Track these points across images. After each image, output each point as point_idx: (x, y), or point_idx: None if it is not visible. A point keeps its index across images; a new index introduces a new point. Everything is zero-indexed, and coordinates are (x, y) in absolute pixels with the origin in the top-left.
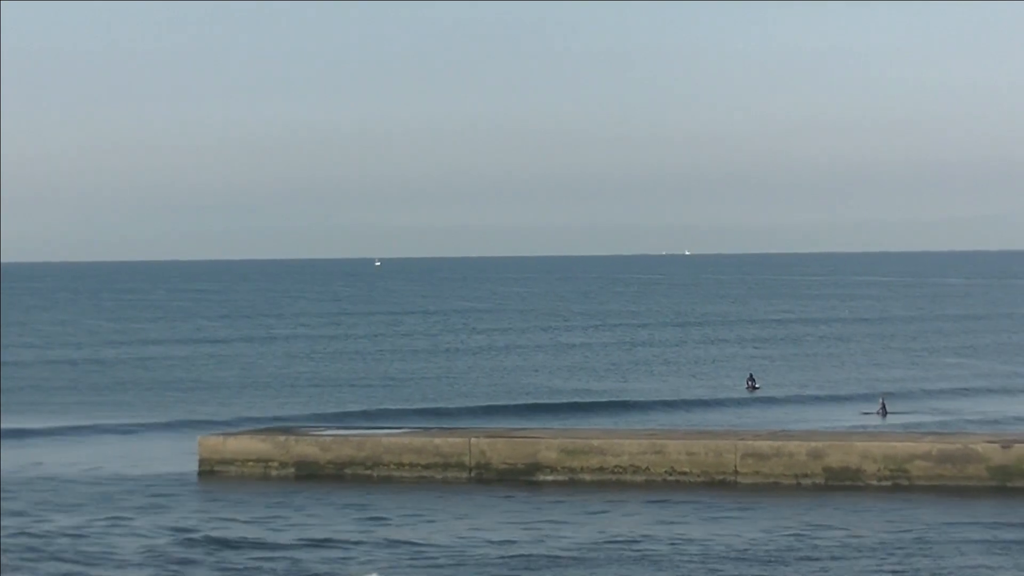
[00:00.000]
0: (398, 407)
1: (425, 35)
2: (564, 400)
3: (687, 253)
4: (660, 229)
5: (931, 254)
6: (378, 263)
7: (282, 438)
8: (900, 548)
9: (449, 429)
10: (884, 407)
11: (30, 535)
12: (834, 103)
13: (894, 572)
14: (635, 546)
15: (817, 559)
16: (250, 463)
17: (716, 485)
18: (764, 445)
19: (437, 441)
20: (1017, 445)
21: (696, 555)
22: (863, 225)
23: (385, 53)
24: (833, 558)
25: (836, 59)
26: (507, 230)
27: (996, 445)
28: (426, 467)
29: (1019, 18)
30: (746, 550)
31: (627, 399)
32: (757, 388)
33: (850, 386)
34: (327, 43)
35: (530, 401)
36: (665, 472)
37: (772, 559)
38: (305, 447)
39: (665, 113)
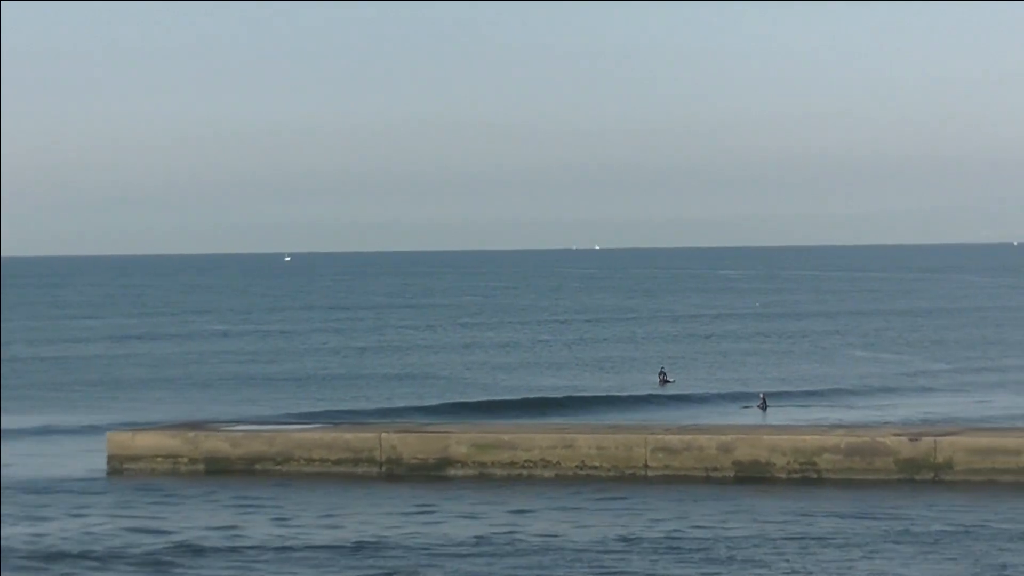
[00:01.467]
0: (310, 409)
1: (340, 30)
2: (475, 399)
3: (597, 248)
4: (571, 224)
5: (844, 248)
6: (288, 258)
7: (191, 434)
8: (802, 540)
9: (359, 424)
10: (764, 401)
11: None
12: (756, 98)
13: (795, 565)
14: (543, 539)
15: (717, 551)
16: (159, 459)
17: (626, 479)
18: (674, 439)
19: (347, 436)
20: (925, 438)
21: (593, 547)
22: (779, 219)
23: (283, 48)
24: (730, 548)
25: (761, 54)
26: (421, 224)
27: (904, 438)
28: (336, 462)
29: (945, 14)
30: (645, 541)
31: (540, 396)
32: (670, 382)
33: (758, 382)
34: (237, 38)
35: (442, 401)
36: (576, 466)
37: (671, 550)
38: (215, 442)
39: (576, 107)
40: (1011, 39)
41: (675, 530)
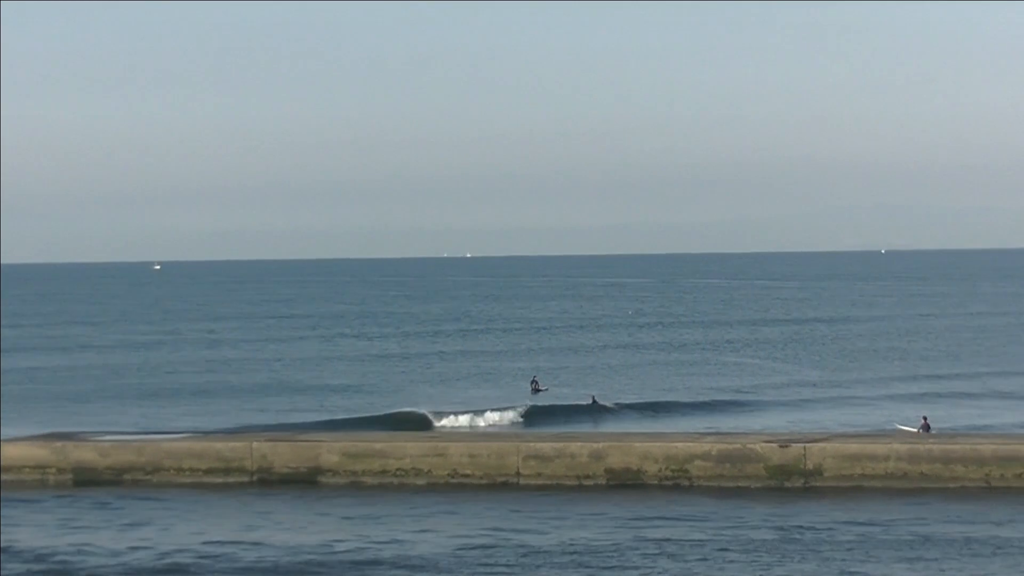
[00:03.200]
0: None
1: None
2: (342, 416)
3: (469, 256)
4: (442, 232)
5: (706, 256)
6: (157, 267)
7: (59, 444)
8: (670, 546)
9: (230, 433)
10: (594, 400)
11: None
12: (625, 105)
13: (664, 572)
14: (406, 548)
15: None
16: (27, 470)
17: (498, 487)
18: (546, 447)
19: (218, 446)
20: (795, 445)
21: (442, 557)
22: (644, 227)
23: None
24: (595, 555)
25: (626, 59)
26: (291, 232)
27: (774, 445)
28: (207, 472)
29: (778, 19)
30: (503, 549)
31: (413, 410)
32: (542, 390)
33: (630, 389)
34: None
35: (310, 419)
36: (448, 474)
37: (531, 554)
38: (83, 453)
39: (448, 116)
40: (879, 45)
41: (539, 538)
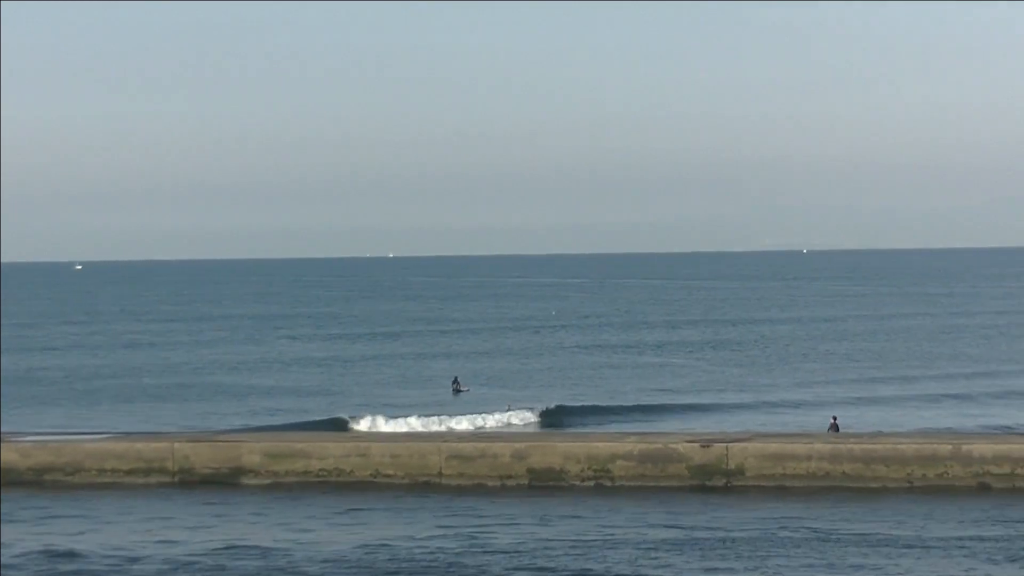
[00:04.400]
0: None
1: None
2: (266, 423)
3: (391, 256)
4: (365, 231)
5: (623, 256)
6: (79, 267)
7: None
8: (587, 546)
9: (152, 434)
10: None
11: None
12: (541, 106)
13: (584, 568)
14: (315, 548)
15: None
16: None
17: (420, 487)
18: (468, 447)
19: (139, 446)
20: (717, 445)
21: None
22: (569, 228)
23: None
24: (511, 556)
25: (556, 61)
26: (217, 232)
27: (696, 445)
28: (128, 472)
29: (703, 19)
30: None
31: (337, 416)
32: (463, 391)
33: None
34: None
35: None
36: (370, 474)
37: (436, 552)
38: (3, 453)
39: (369, 116)
40: (803, 45)
41: (449, 538)
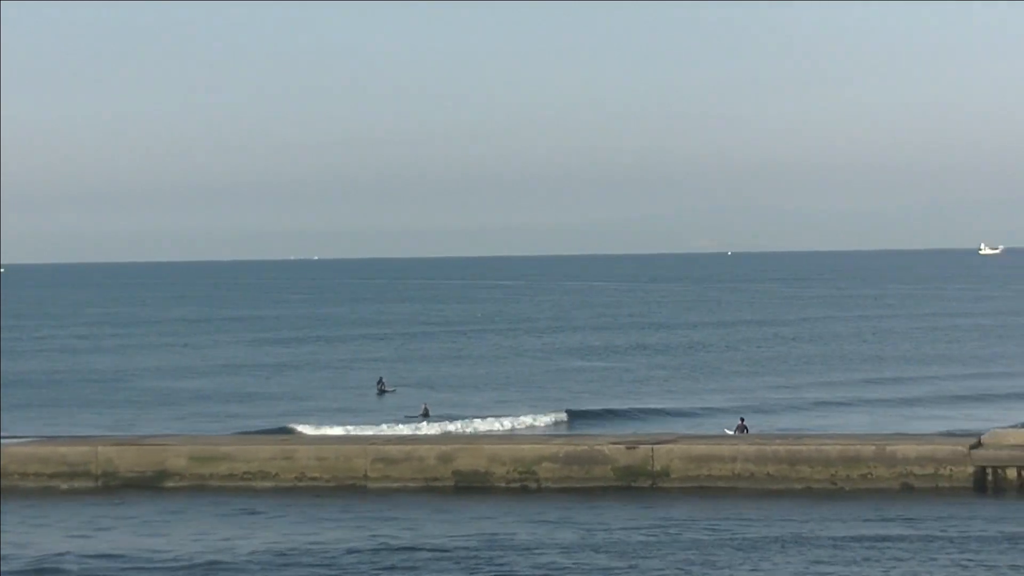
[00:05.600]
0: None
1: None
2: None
3: (316, 258)
4: (289, 234)
5: (545, 259)
6: (1, 269)
7: None
8: (506, 549)
9: (75, 437)
10: (427, 410)
11: None
12: (483, 108)
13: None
14: (228, 553)
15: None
16: None
17: (346, 489)
18: (394, 450)
19: (63, 450)
20: (642, 447)
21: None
22: (502, 231)
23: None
24: (433, 559)
25: (475, 61)
26: (138, 235)
27: (621, 447)
28: (52, 476)
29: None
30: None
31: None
32: (388, 391)
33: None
34: None
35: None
36: (295, 477)
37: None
38: None
39: (295, 118)
40: (737, 45)
41: (383, 542)
